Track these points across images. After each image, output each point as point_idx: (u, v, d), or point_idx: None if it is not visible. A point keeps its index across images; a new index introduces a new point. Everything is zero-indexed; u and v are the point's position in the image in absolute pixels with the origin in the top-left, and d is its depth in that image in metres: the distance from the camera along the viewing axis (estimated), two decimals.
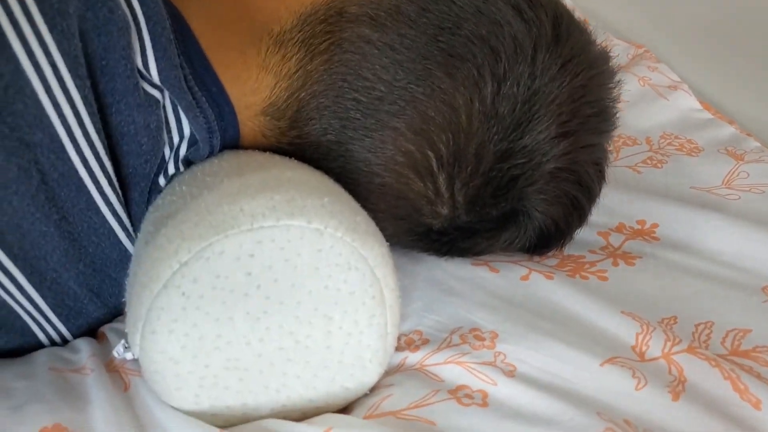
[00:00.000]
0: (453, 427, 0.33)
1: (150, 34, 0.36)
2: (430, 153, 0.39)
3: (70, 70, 0.32)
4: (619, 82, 0.42)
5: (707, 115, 0.61)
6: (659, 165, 0.54)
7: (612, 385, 0.35)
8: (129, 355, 0.34)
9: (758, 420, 0.35)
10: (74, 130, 0.34)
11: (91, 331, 0.43)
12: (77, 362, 0.39)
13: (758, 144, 0.57)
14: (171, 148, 0.39)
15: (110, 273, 0.40)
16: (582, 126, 0.41)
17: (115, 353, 0.36)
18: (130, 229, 0.39)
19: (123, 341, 0.34)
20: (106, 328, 0.42)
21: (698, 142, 0.57)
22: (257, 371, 0.33)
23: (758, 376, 0.36)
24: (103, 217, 0.37)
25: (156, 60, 0.36)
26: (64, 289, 0.39)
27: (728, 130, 0.58)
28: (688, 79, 0.64)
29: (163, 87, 0.37)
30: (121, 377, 0.37)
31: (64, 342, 0.42)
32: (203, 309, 0.31)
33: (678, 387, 0.36)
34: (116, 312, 0.43)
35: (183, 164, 0.40)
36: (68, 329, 0.41)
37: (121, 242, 0.39)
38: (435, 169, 0.39)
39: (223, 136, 0.40)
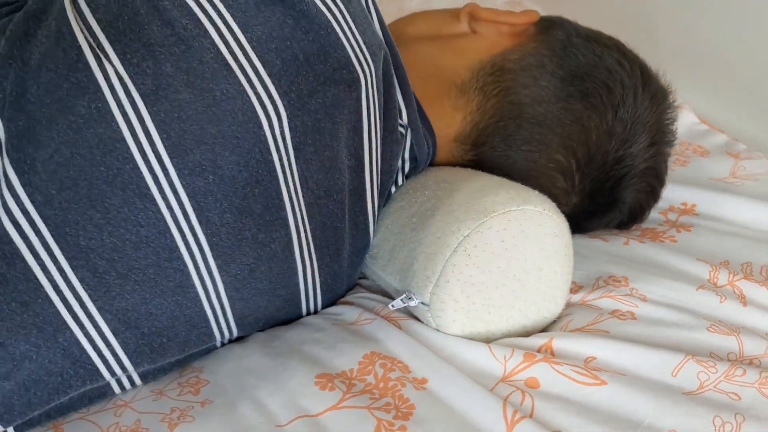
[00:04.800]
0: (621, 333, 0.52)
1: (401, 89, 0.53)
2: (572, 160, 0.58)
3: (384, 128, 0.50)
4: (677, 107, 0.63)
5: (704, 127, 0.83)
6: (685, 164, 0.75)
7: (707, 302, 0.55)
8: (412, 303, 0.51)
9: None
10: (373, 155, 0.51)
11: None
12: (348, 320, 0.55)
13: (745, 146, 0.79)
14: (401, 167, 0.57)
15: (357, 260, 0.56)
16: (662, 138, 0.61)
17: (390, 306, 0.52)
18: (375, 224, 0.56)
19: (404, 295, 0.51)
20: (351, 299, 0.58)
21: (705, 146, 0.79)
22: (499, 306, 0.51)
23: None
24: (367, 216, 0.54)
25: (405, 106, 0.54)
26: (334, 271, 0.55)
27: (722, 137, 0.81)
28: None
29: (408, 126, 0.54)
30: (389, 322, 0.54)
31: (314, 312, 0.58)
32: (476, 265, 0.49)
33: (742, 299, 0.56)
34: (346, 292, 0.59)
35: (404, 178, 0.58)
36: (322, 302, 0.57)
37: (369, 235, 0.56)
38: (574, 170, 0.58)
39: (430, 158, 0.58)
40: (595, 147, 0.58)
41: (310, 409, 0.46)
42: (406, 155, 0.57)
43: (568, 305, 0.56)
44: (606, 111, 0.58)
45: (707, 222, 0.67)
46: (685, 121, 0.83)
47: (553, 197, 0.58)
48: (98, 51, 0.40)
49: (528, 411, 0.46)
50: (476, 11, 0.61)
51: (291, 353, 0.51)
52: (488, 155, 0.59)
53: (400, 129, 0.54)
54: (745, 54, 0.85)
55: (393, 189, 0.57)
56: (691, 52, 0.91)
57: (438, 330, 0.51)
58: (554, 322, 0.55)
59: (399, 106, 0.53)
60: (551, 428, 0.44)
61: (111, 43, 0.40)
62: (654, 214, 0.67)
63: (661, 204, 0.69)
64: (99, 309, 0.43)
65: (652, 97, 0.60)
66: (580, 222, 0.62)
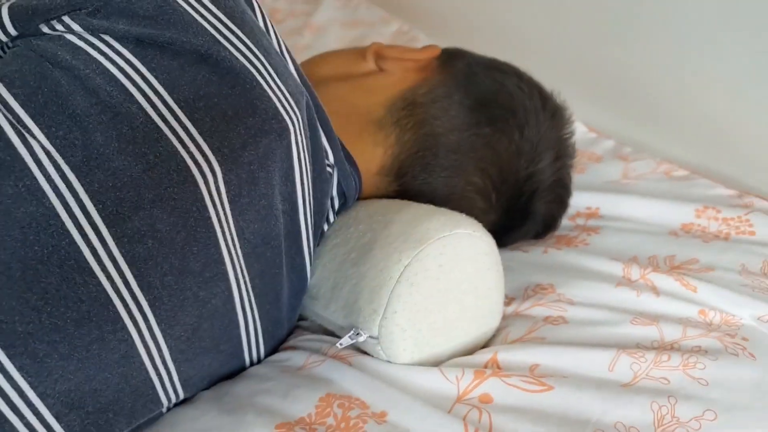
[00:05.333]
0: (557, 338, 0.55)
1: (324, 131, 0.55)
2: (487, 181, 0.61)
3: (313, 170, 0.51)
4: (573, 122, 0.68)
5: (593, 135, 0.90)
6: (582, 171, 0.81)
7: (626, 297, 0.60)
8: (361, 338, 0.52)
9: (693, 296, 0.61)
10: (306, 198, 0.52)
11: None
12: (295, 365, 0.55)
13: (630, 149, 0.87)
14: (331, 205, 0.57)
15: (296, 303, 0.57)
16: (565, 152, 0.66)
17: (338, 345, 0.53)
18: (312, 265, 0.56)
19: (351, 332, 0.52)
20: (294, 343, 0.58)
21: (597, 152, 0.86)
22: (443, 329, 0.53)
23: (691, 276, 0.63)
24: (304, 259, 0.55)
25: (330, 147, 0.55)
26: (275, 318, 0.55)
27: (610, 142, 0.88)
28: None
29: (335, 165, 0.55)
30: (339, 361, 0.54)
31: (258, 362, 0.57)
32: (419, 292, 0.51)
33: (655, 291, 0.61)
34: (288, 337, 0.59)
35: (335, 215, 0.59)
36: (264, 351, 0.56)
37: (306, 277, 0.56)
38: (490, 190, 0.62)
39: (358, 194, 0.60)
40: (507, 167, 0.62)
41: None
42: (334, 192, 0.58)
43: (504, 317, 0.59)
44: (513, 133, 0.62)
45: (611, 222, 0.73)
46: (576, 132, 0.89)
47: (474, 217, 0.61)
48: (20, 127, 0.39)
49: (487, 427, 0.48)
50: (382, 50, 0.63)
51: (244, 408, 0.50)
52: (410, 185, 0.61)
53: (328, 169, 0.55)
54: (623, 66, 0.93)
55: (325, 227, 0.58)
56: (571, 67, 0.99)
57: (389, 361, 0.53)
58: (494, 335, 0.57)
59: (325, 148, 0.55)
60: None
61: (33, 117, 0.39)
62: (564, 221, 0.72)
63: (569, 211, 0.74)
64: (40, 395, 0.41)
65: (551, 115, 0.64)
66: (500, 237, 0.65)
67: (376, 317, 0.51)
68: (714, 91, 0.86)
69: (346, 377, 0.52)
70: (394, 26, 1.23)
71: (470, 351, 0.56)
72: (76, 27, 0.42)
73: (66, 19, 0.42)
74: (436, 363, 0.54)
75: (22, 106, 0.39)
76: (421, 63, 0.63)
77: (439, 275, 0.52)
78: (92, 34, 0.42)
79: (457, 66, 0.63)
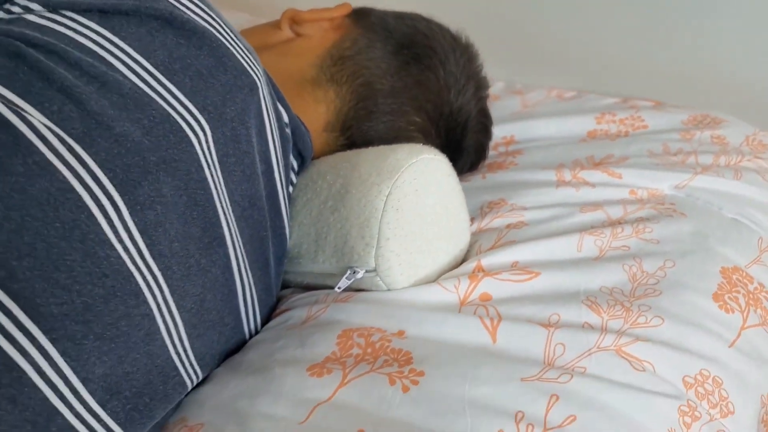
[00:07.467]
0: (524, 237, 0.60)
1: (277, 95, 0.56)
2: (425, 117, 0.66)
3: (280, 133, 0.52)
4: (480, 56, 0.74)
5: None
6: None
7: (568, 193, 0.67)
8: (359, 275, 0.54)
9: (620, 181, 0.69)
10: (278, 156, 0.53)
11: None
12: (299, 321, 0.55)
13: (521, 84, 0.95)
14: (292, 166, 0.59)
15: (279, 269, 0.57)
16: (481, 83, 0.72)
17: (336, 288, 0.55)
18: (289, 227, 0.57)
19: (348, 272, 0.54)
20: (287, 306, 0.58)
21: (494, 93, 0.93)
22: (428, 250, 0.56)
23: (613, 166, 0.71)
24: (283, 220, 0.56)
25: (283, 108, 0.56)
26: (266, 284, 0.55)
27: (501, 83, 0.96)
28: None
29: (289, 125, 0.57)
30: (341, 303, 0.55)
31: (255, 333, 0.57)
32: (404, 217, 0.54)
33: (588, 184, 0.69)
34: (276, 305, 0.60)
35: (297, 176, 0.60)
36: (261, 320, 0.57)
37: (286, 240, 0.57)
38: (429, 126, 0.66)
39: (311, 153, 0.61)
40: (440, 102, 0.66)
41: (321, 396, 0.46)
42: (291, 153, 0.59)
43: (471, 235, 0.63)
44: (437, 68, 0.66)
45: (529, 144, 0.80)
46: None
47: None
48: (14, 107, 0.37)
49: (496, 316, 0.52)
50: (297, 15, 0.66)
51: (267, 366, 0.50)
52: (357, 135, 0.64)
53: (286, 129, 0.57)
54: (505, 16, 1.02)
55: (290, 189, 0.59)
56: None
57: (389, 289, 0.55)
58: (468, 251, 0.62)
59: (278, 107, 0.56)
60: (523, 320, 0.51)
61: (21, 96, 0.37)
62: (490, 152, 0.78)
63: (490, 143, 0.80)
64: (83, 381, 0.39)
65: (464, 51, 0.70)
66: None
67: (370, 249, 0.53)
68: (581, 27, 0.97)
69: (353, 314, 0.53)
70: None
71: (453, 268, 0.59)
72: (34, 6, 0.41)
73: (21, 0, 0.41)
74: (426, 282, 0.57)
75: (6, 87, 0.37)
76: (336, 21, 0.66)
77: (417, 200, 0.55)
78: (53, 12, 0.41)
79: (369, 19, 0.67)
